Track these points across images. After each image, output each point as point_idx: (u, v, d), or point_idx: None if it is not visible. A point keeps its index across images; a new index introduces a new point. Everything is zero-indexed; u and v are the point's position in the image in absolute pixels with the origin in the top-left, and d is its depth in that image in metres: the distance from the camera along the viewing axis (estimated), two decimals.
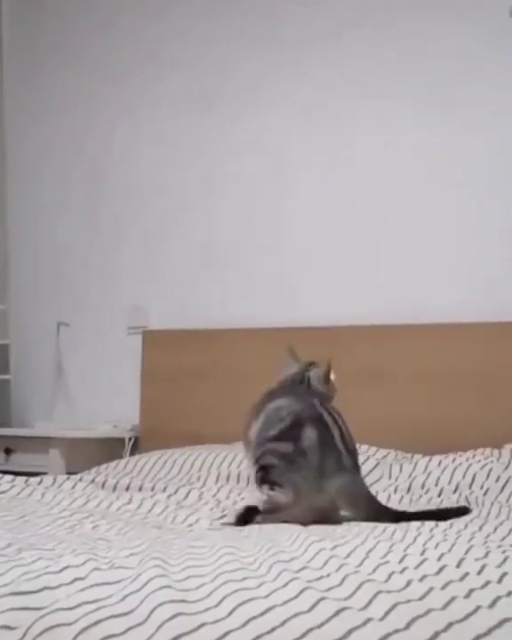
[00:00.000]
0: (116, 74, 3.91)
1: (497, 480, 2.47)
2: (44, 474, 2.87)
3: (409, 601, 1.06)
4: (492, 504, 2.19)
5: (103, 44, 3.95)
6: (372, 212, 3.36)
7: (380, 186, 3.36)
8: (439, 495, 2.44)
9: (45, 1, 4.10)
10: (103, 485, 2.49)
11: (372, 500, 2.03)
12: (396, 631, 0.97)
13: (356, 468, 2.04)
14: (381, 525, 1.73)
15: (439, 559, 1.30)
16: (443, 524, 1.81)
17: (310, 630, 0.96)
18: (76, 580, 1.12)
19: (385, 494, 2.41)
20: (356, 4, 3.42)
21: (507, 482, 2.44)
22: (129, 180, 3.84)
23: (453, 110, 3.28)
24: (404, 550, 1.36)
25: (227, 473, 2.71)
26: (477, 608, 1.05)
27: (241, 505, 2.09)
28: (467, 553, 1.37)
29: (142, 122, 3.83)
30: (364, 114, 3.39)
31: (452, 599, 1.07)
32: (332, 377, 2.14)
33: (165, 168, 3.77)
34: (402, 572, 1.20)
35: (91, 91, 3.95)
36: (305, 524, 1.81)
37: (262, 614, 1.00)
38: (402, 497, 2.38)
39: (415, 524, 1.78)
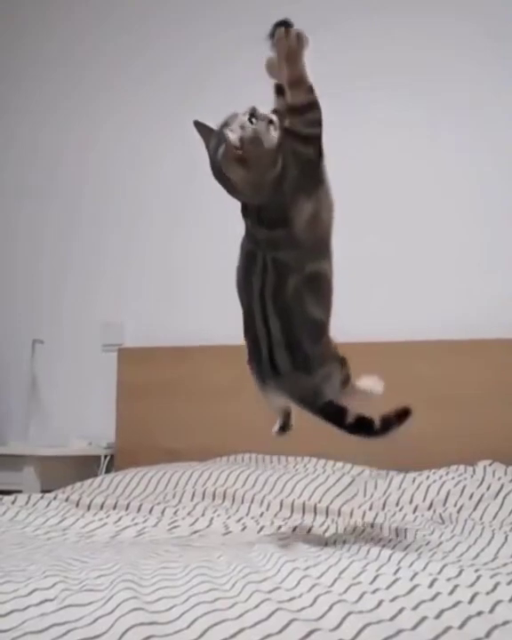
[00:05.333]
0: (91, 90, 3.92)
1: (471, 497, 2.48)
2: (19, 492, 2.85)
3: (380, 621, 1.06)
4: (466, 521, 2.20)
5: (79, 56, 3.97)
6: (355, 225, 3.24)
7: (376, 197, 3.35)
8: (414, 512, 2.44)
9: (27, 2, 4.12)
10: (78, 504, 2.47)
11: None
12: None
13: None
14: (357, 544, 1.73)
15: (412, 579, 1.30)
16: (418, 540, 1.81)
17: None
18: (45, 601, 1.12)
19: (360, 511, 2.42)
20: None
21: (480, 499, 2.45)
22: (104, 197, 3.84)
23: (460, 114, 3.30)
24: (377, 570, 1.36)
25: (202, 490, 2.70)
26: (447, 628, 1.05)
27: None
28: (440, 572, 1.37)
29: (119, 138, 3.83)
30: (360, 116, 3.38)
31: (423, 619, 1.07)
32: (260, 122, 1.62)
33: (141, 184, 3.77)
34: (374, 592, 1.19)
35: (67, 107, 3.96)
36: None
37: (233, 636, 1.00)
38: (377, 514, 2.38)
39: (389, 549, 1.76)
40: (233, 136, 1.59)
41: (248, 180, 1.62)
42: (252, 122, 1.61)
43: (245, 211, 1.72)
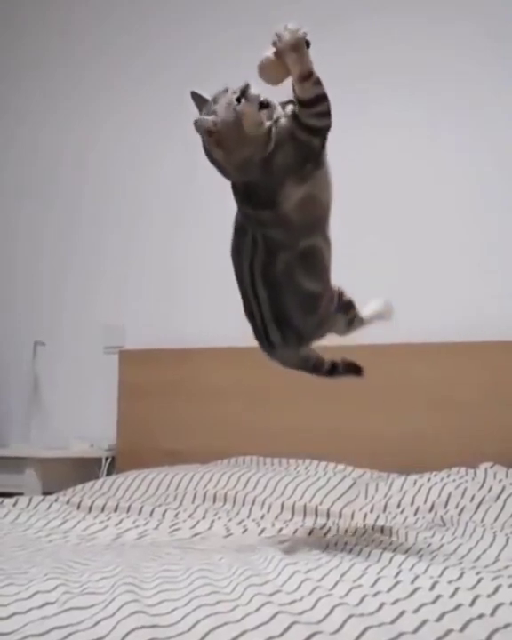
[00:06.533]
0: (91, 90, 3.92)
1: (472, 499, 2.47)
2: (20, 494, 2.85)
3: (381, 624, 1.06)
4: (467, 524, 2.19)
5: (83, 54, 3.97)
6: (355, 225, 3.26)
7: (376, 197, 3.35)
8: (415, 514, 2.44)
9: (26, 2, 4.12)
10: (79, 506, 2.47)
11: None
12: None
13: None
14: (358, 547, 1.73)
15: (413, 581, 1.30)
16: (419, 543, 1.81)
17: None
18: (46, 604, 1.12)
19: (361, 513, 2.41)
20: None
21: (481, 501, 2.45)
22: (104, 197, 3.84)
23: (460, 114, 3.29)
24: (378, 572, 1.36)
25: (203, 492, 2.70)
26: (448, 631, 1.05)
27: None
28: (441, 575, 1.37)
29: (118, 138, 3.83)
30: (360, 116, 3.37)
31: (424, 622, 1.07)
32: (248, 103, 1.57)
33: (141, 184, 3.77)
34: (375, 595, 1.19)
35: (67, 107, 3.96)
36: None
37: (234, 639, 1.00)
38: (378, 516, 2.38)
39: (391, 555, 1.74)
40: (208, 120, 1.56)
41: (228, 161, 1.60)
42: (239, 101, 1.57)
43: (235, 188, 1.70)
